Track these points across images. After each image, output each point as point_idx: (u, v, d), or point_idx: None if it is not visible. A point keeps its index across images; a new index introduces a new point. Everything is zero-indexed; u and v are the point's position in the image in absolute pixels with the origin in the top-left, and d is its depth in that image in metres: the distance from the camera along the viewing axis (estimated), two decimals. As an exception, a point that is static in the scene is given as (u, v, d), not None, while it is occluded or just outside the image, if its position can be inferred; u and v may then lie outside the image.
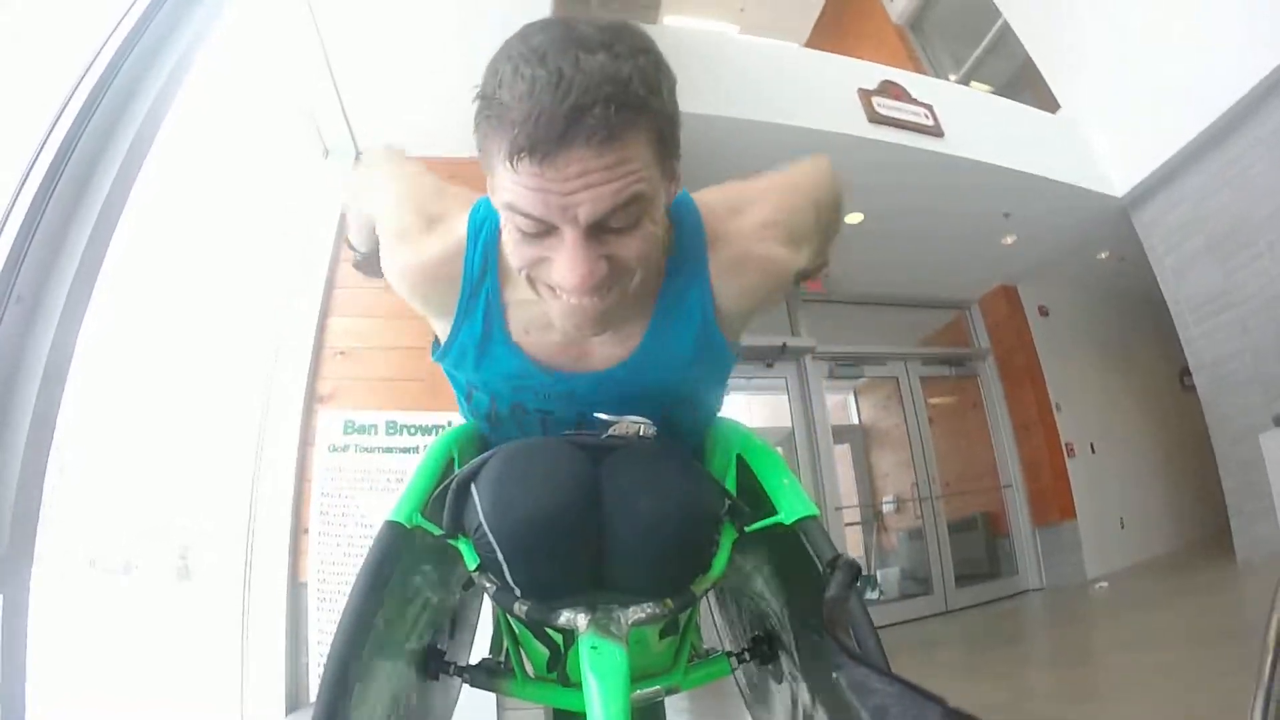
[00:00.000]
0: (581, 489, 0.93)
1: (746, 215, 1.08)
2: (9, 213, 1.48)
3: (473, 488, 0.97)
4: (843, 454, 8.76)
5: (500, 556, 0.92)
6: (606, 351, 1.07)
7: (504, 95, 0.78)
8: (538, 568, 0.92)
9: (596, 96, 0.75)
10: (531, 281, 0.91)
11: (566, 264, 0.83)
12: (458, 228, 1.04)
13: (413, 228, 1.06)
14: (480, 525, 0.92)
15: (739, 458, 1.17)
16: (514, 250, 0.89)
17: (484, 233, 1.03)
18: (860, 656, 0.72)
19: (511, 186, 0.81)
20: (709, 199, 1.10)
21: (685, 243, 1.04)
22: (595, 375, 1.08)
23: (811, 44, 9.67)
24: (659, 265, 1.01)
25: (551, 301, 0.91)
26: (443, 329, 1.10)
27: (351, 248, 1.46)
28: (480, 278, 1.03)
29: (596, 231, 0.83)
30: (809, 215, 1.15)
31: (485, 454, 1.01)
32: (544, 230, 0.83)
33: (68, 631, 2.49)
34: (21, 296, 1.43)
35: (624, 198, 0.81)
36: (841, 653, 0.70)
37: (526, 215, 0.82)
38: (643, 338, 1.05)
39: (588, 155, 0.77)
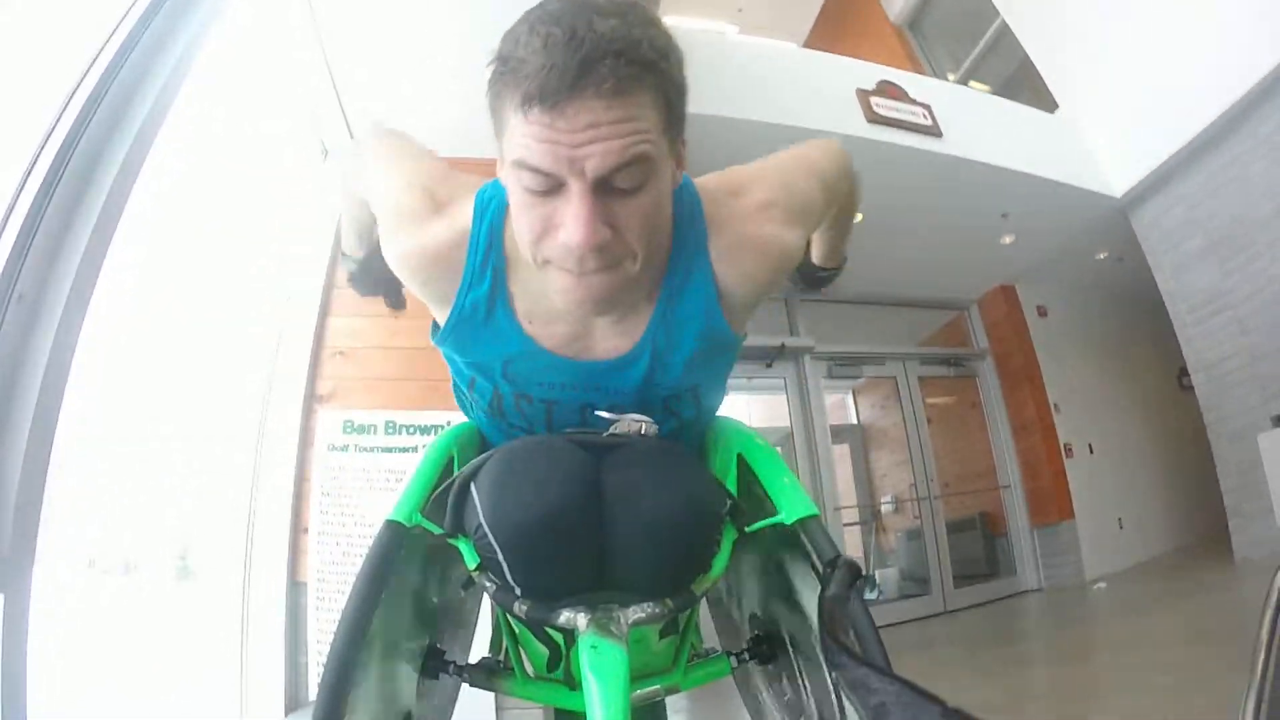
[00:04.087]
0: (582, 488, 0.92)
1: (744, 197, 1.09)
2: (10, 211, 1.48)
3: (472, 487, 0.96)
4: (841, 454, 8.77)
5: (500, 557, 0.91)
6: (610, 343, 1.06)
7: (520, 52, 0.81)
8: (538, 567, 0.92)
9: (608, 50, 0.78)
10: (536, 258, 0.91)
11: (572, 219, 0.83)
12: (464, 209, 1.04)
13: (418, 208, 1.05)
14: (480, 525, 0.92)
15: (740, 457, 1.17)
16: (520, 216, 0.90)
17: (490, 212, 1.02)
18: (860, 656, 0.72)
19: (521, 139, 0.82)
20: (708, 183, 1.11)
21: (685, 229, 1.04)
22: (600, 364, 1.07)
23: (810, 44, 9.68)
24: (663, 251, 1.02)
25: (555, 278, 0.91)
26: (443, 313, 1.08)
27: (345, 256, 1.45)
28: (486, 255, 1.02)
29: (602, 191, 0.84)
30: (813, 193, 1.16)
31: (485, 454, 1.01)
32: (551, 188, 0.84)
33: (68, 631, 2.49)
34: (23, 295, 1.43)
35: (631, 155, 0.82)
36: (841, 652, 0.70)
37: (535, 170, 0.83)
38: (646, 327, 1.05)
39: (597, 106, 0.79)
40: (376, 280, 1.45)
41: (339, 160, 1.20)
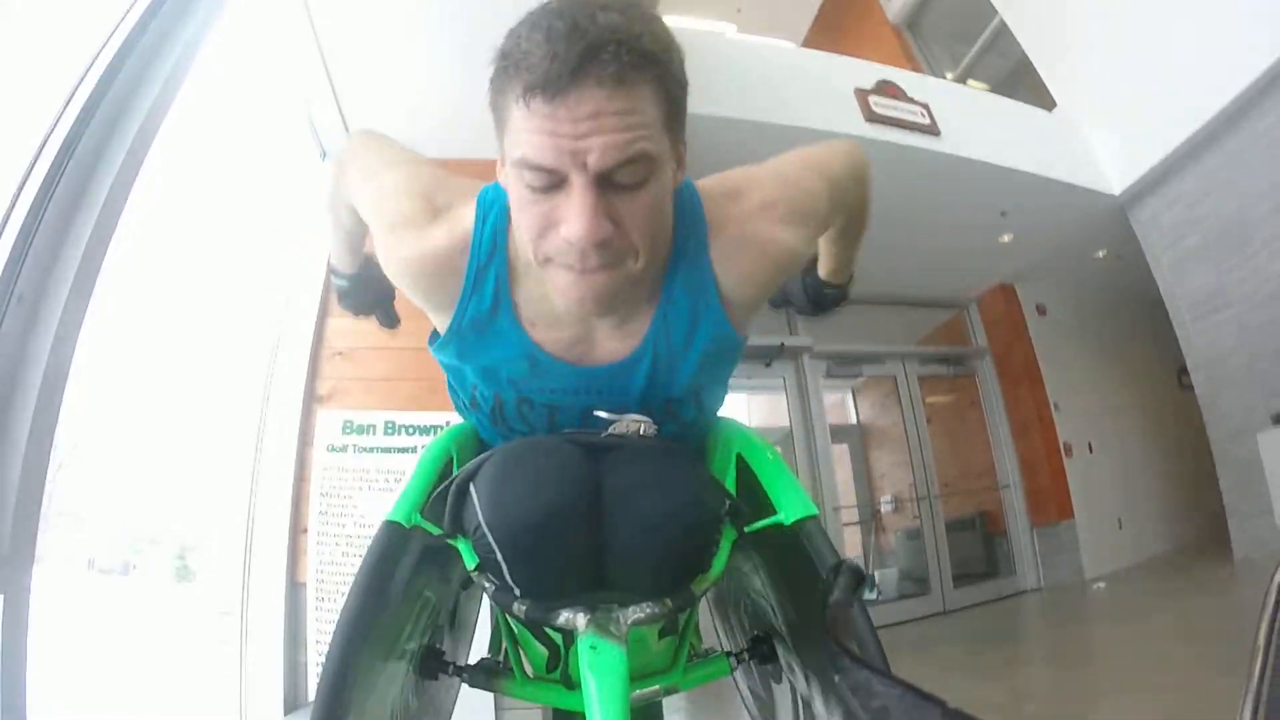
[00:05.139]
0: (581, 489, 0.92)
1: (746, 198, 1.08)
2: (10, 212, 1.48)
3: (471, 488, 0.96)
4: (840, 454, 8.76)
5: (499, 557, 0.91)
6: (612, 346, 1.06)
7: (523, 45, 0.81)
8: (537, 568, 0.91)
9: (610, 39, 0.78)
10: (537, 256, 0.91)
11: (574, 213, 0.83)
12: (464, 214, 1.03)
13: (415, 214, 1.04)
14: (479, 526, 0.91)
15: (739, 457, 1.16)
16: (521, 214, 0.89)
17: (492, 215, 1.02)
18: (861, 659, 0.72)
19: (522, 133, 0.82)
20: (709, 185, 1.10)
21: (686, 231, 1.04)
22: (602, 369, 1.07)
23: (808, 43, 9.69)
24: (664, 252, 1.01)
25: (557, 276, 0.91)
26: (444, 321, 1.08)
27: (336, 273, 1.41)
28: (489, 259, 1.02)
29: (604, 187, 0.83)
30: (818, 193, 1.13)
31: (484, 454, 1.00)
32: (553, 184, 0.84)
33: (68, 632, 2.49)
34: (23, 296, 1.43)
35: (633, 151, 0.82)
36: (843, 655, 0.70)
37: (537, 166, 0.82)
38: (647, 330, 1.05)
39: (599, 96, 0.79)
40: (371, 298, 1.43)
41: (325, 172, 1.15)
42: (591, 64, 0.78)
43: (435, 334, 1.11)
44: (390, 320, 1.50)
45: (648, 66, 0.82)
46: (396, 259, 1.05)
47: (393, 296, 1.45)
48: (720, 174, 1.13)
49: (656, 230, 0.93)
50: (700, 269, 1.05)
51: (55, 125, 1.63)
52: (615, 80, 0.79)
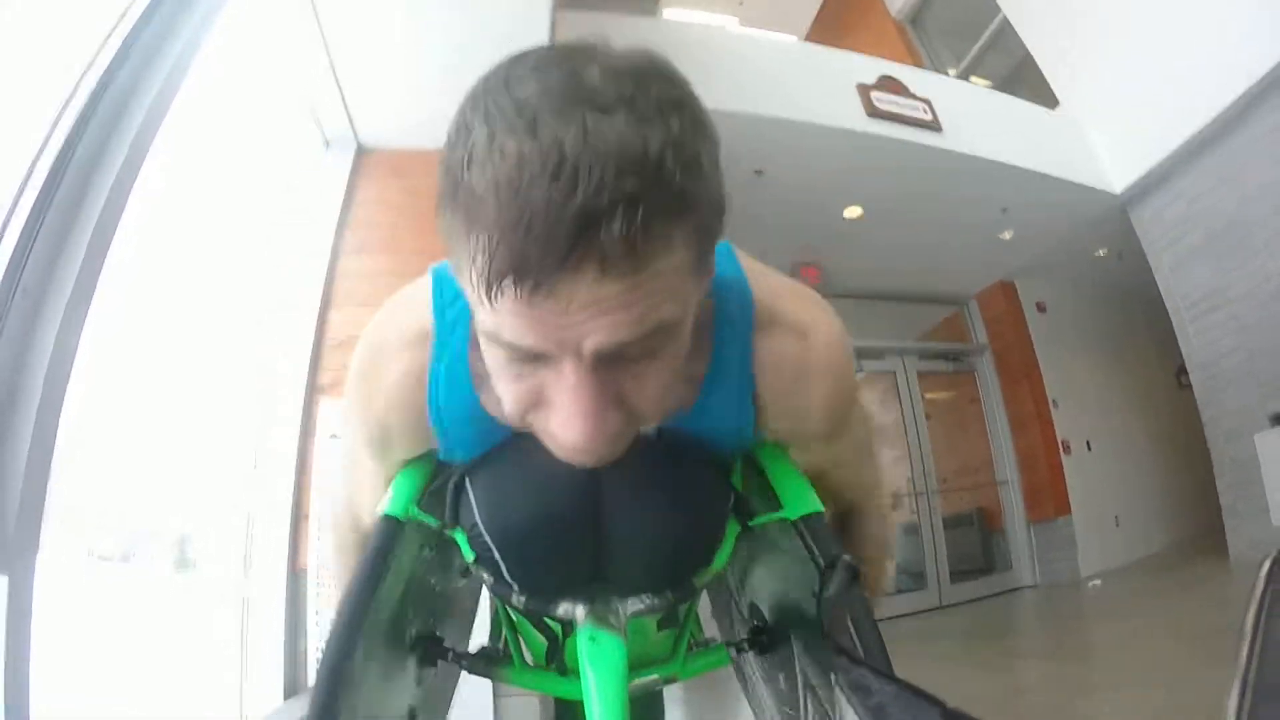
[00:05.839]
0: (579, 486, 0.87)
1: (809, 309, 0.91)
2: (14, 205, 1.49)
3: (468, 483, 0.93)
4: (839, 448, 8.74)
5: (496, 555, 0.89)
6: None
7: (475, 180, 0.54)
8: (534, 568, 0.90)
9: (616, 195, 0.51)
10: (520, 424, 0.74)
11: (566, 412, 0.64)
12: (420, 317, 0.89)
13: (377, 350, 0.97)
14: (476, 524, 0.90)
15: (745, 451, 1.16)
16: (497, 381, 0.70)
17: (451, 312, 0.87)
18: (858, 657, 0.72)
19: (487, 313, 0.60)
20: (759, 271, 0.92)
21: (727, 339, 0.88)
22: None
23: (811, 38, 9.66)
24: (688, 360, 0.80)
25: (548, 437, 0.73)
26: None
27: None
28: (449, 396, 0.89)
29: (608, 362, 0.63)
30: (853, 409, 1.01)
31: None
32: (535, 358, 0.63)
33: (68, 616, 2.50)
34: (27, 288, 1.44)
35: (646, 328, 0.60)
36: (840, 653, 0.70)
37: (510, 346, 0.62)
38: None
39: (603, 282, 0.55)
40: None
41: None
42: (589, 244, 0.52)
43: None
44: None
45: (675, 220, 0.56)
46: (363, 409, 0.97)
47: None
48: (777, 275, 0.94)
49: (675, 388, 0.75)
50: (740, 388, 0.90)
51: (60, 118, 1.64)
52: (627, 262, 0.54)
